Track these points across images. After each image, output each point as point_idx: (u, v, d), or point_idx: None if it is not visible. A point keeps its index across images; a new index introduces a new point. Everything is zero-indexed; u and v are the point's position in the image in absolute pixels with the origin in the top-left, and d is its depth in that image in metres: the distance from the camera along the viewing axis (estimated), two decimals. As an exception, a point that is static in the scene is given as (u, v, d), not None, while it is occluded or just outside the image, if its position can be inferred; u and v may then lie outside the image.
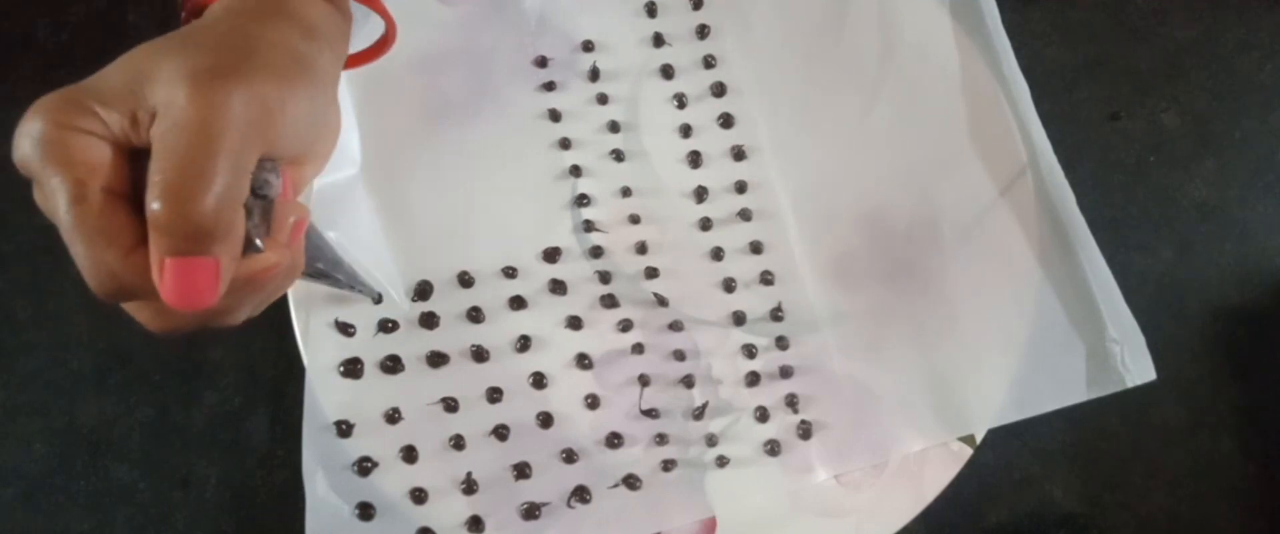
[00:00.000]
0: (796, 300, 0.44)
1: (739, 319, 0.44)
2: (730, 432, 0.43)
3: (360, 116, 0.44)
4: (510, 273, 0.44)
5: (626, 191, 0.45)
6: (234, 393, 0.45)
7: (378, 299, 0.42)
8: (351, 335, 0.42)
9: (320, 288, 0.42)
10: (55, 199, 0.25)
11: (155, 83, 0.25)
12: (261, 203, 0.27)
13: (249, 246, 0.27)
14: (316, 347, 0.42)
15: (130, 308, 0.27)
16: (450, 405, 0.42)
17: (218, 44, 0.27)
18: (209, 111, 0.24)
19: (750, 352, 0.44)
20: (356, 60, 0.37)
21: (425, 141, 0.45)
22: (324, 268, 0.35)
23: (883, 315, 0.44)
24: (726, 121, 0.46)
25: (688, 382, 0.43)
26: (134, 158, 0.26)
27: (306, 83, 0.28)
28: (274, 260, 0.27)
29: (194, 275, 0.24)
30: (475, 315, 0.43)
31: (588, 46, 0.46)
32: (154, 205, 0.24)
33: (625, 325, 0.44)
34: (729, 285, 0.44)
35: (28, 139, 0.25)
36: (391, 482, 0.41)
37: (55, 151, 0.25)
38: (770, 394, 0.43)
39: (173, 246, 0.24)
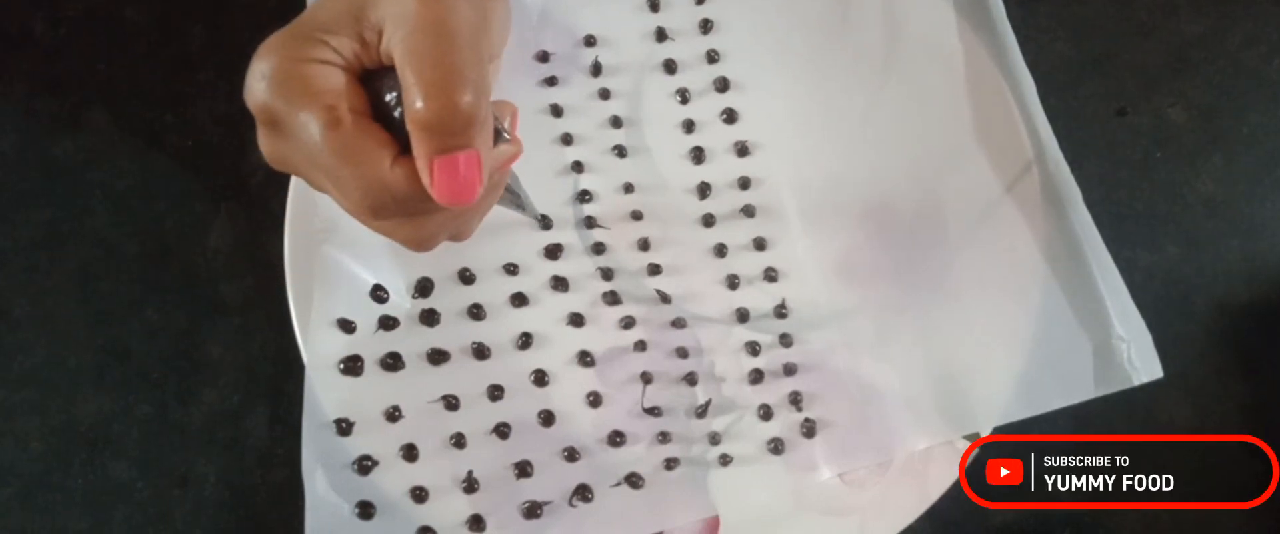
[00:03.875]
0: (800, 297, 0.44)
1: (742, 316, 0.44)
2: (733, 430, 0.43)
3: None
4: (511, 270, 0.44)
5: (629, 188, 0.45)
6: (233, 390, 0.44)
7: (545, 223, 0.43)
8: (352, 332, 0.42)
9: (318, 284, 0.42)
10: (307, 132, 0.26)
11: (376, 3, 0.26)
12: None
13: (496, 139, 0.28)
14: (316, 344, 0.42)
15: (387, 228, 0.29)
16: (451, 403, 0.42)
17: None
18: (443, 11, 0.26)
19: (754, 349, 0.43)
20: None
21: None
22: (509, 182, 0.35)
23: (887, 312, 0.44)
24: (729, 117, 0.46)
25: (690, 379, 0.43)
26: (366, 79, 0.27)
27: None
28: (515, 150, 0.29)
29: (459, 169, 0.26)
30: (476, 312, 0.43)
31: (590, 41, 0.46)
32: (417, 105, 0.25)
33: (627, 323, 0.43)
34: (732, 282, 0.44)
35: (263, 81, 0.26)
36: (392, 480, 0.41)
37: (297, 86, 0.26)
38: (774, 392, 0.43)
39: (439, 143, 0.26)
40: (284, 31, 0.27)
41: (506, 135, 0.29)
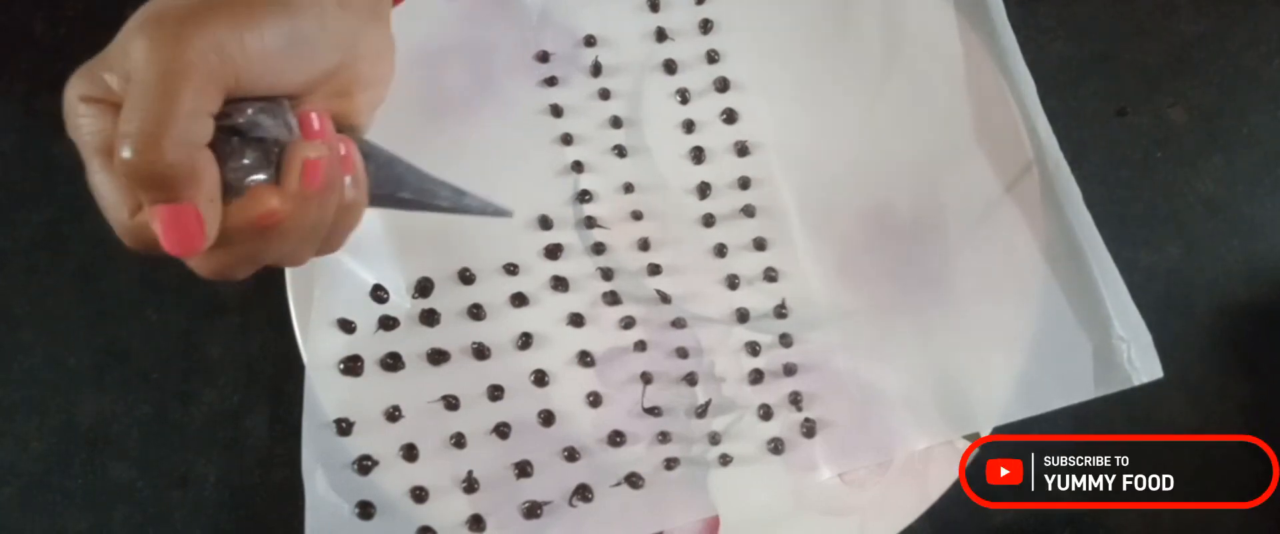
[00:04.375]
0: (800, 297, 0.44)
1: (742, 316, 0.44)
2: (733, 430, 0.43)
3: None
4: (511, 270, 0.44)
5: (629, 188, 0.45)
6: (233, 391, 0.44)
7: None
8: (352, 332, 0.42)
9: (318, 284, 0.42)
10: (86, 165, 0.26)
11: (130, 39, 0.26)
12: (257, 144, 0.27)
13: (230, 191, 0.26)
14: (316, 344, 0.41)
15: (191, 262, 0.28)
16: (451, 403, 0.42)
17: None
18: (153, 58, 0.25)
19: (753, 349, 0.43)
20: None
21: (426, 137, 0.44)
22: (411, 196, 0.33)
23: (887, 312, 0.44)
24: (729, 117, 0.46)
25: (690, 379, 0.43)
26: None
27: (275, 15, 0.27)
28: (272, 205, 0.27)
29: (175, 222, 0.25)
30: (476, 313, 0.43)
31: (590, 41, 0.46)
32: (121, 154, 0.24)
33: (627, 323, 0.43)
34: (732, 282, 0.44)
35: (64, 109, 0.26)
36: (392, 480, 0.41)
37: (71, 121, 0.26)
38: (774, 392, 0.43)
39: (147, 195, 0.25)
40: (84, 65, 0.27)
41: (250, 183, 0.27)
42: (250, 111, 0.27)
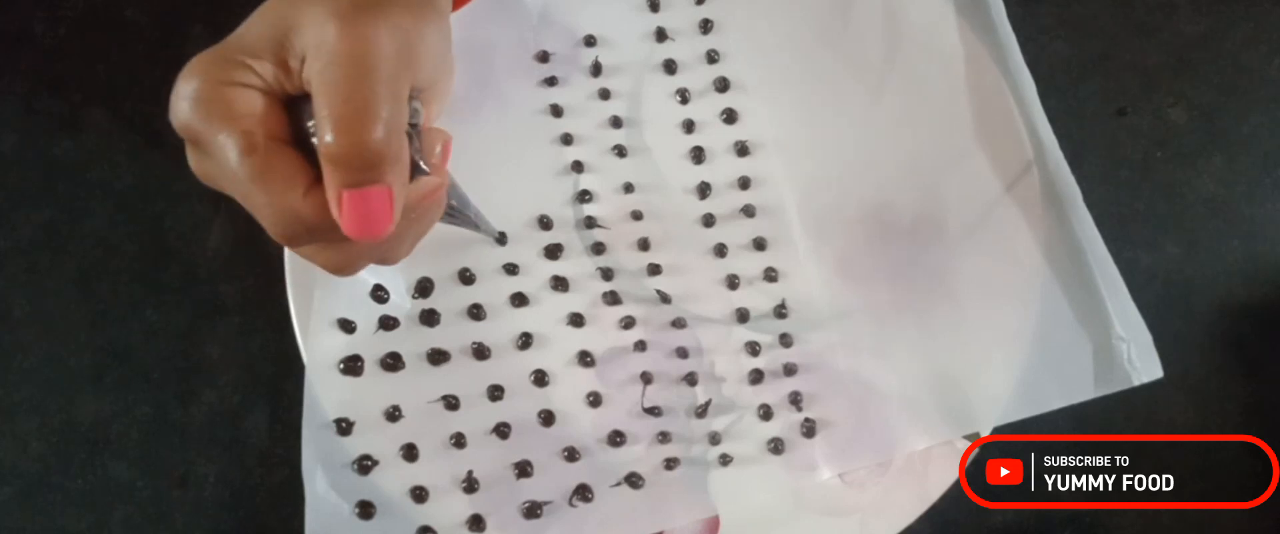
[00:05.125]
0: (800, 297, 0.44)
1: (742, 316, 0.44)
2: (733, 430, 0.43)
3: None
4: (511, 270, 0.44)
5: (629, 188, 0.45)
6: (233, 391, 0.44)
7: (501, 240, 0.43)
8: (352, 332, 0.42)
9: (318, 284, 0.42)
10: (225, 153, 0.26)
11: (301, 28, 0.26)
12: (414, 131, 0.28)
13: (414, 172, 0.28)
14: (316, 344, 0.41)
15: (306, 252, 0.29)
16: (451, 403, 0.42)
17: None
18: (361, 45, 0.25)
19: (754, 349, 0.43)
20: (459, 1, 0.39)
21: (426, 137, 0.44)
22: (456, 205, 0.36)
23: (887, 312, 0.44)
24: (730, 117, 0.46)
25: (690, 379, 0.43)
26: (289, 105, 0.27)
27: (435, 16, 0.30)
28: (438, 182, 0.29)
29: (370, 204, 0.26)
30: (476, 312, 0.43)
31: (590, 41, 0.46)
32: (327, 138, 0.25)
33: (627, 323, 0.43)
34: (732, 282, 0.44)
35: (186, 102, 0.26)
36: (392, 480, 0.41)
37: (217, 108, 0.26)
38: (774, 392, 0.43)
39: (348, 178, 0.25)
40: (209, 52, 0.27)
41: (426, 169, 0.28)
42: (412, 101, 0.28)
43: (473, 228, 0.39)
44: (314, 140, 0.26)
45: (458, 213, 0.36)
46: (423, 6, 0.29)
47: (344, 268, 0.30)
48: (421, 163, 0.28)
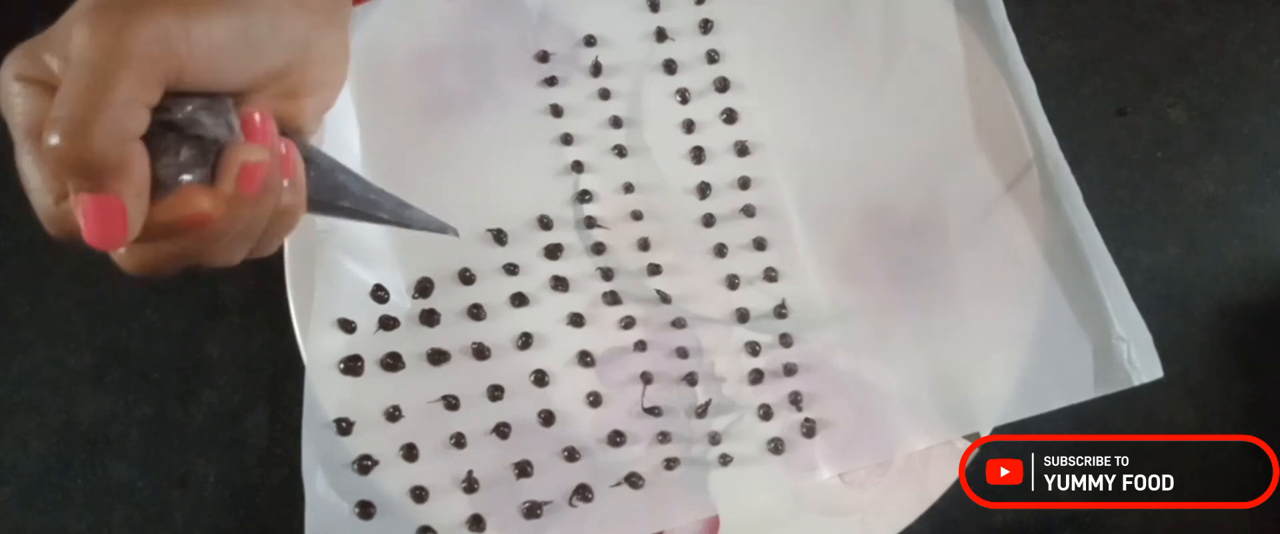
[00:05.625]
0: (800, 297, 0.44)
1: (742, 316, 0.44)
2: (733, 430, 0.43)
3: (359, 111, 0.44)
4: (511, 270, 0.44)
5: (629, 188, 0.45)
6: (233, 390, 0.44)
7: (454, 233, 0.38)
8: (352, 332, 0.42)
9: (319, 284, 0.42)
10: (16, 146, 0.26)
11: (69, 20, 0.25)
12: (194, 143, 0.26)
13: (163, 187, 0.26)
14: (316, 344, 0.41)
15: (114, 256, 0.28)
16: (451, 403, 0.42)
17: None
18: (94, 43, 0.24)
19: (753, 349, 0.43)
20: None
21: (425, 137, 0.44)
22: (352, 205, 0.33)
23: (887, 312, 0.44)
24: (729, 117, 0.46)
25: (690, 379, 0.43)
26: None
27: (232, 8, 0.27)
28: (202, 206, 0.26)
29: (99, 213, 0.24)
30: (476, 313, 0.43)
31: (590, 41, 0.46)
32: (49, 139, 0.24)
33: (627, 323, 0.43)
34: (732, 282, 0.44)
35: None
36: (392, 480, 0.41)
37: (4, 101, 0.26)
38: (774, 392, 0.43)
39: (72, 183, 0.24)
40: (23, 43, 0.26)
41: (185, 178, 0.26)
42: (190, 108, 0.26)
43: (401, 225, 0.35)
44: None
45: (359, 212, 0.33)
46: (203, 1, 0.26)
47: (149, 268, 0.28)
48: (173, 178, 0.26)
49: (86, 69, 0.24)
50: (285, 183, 0.28)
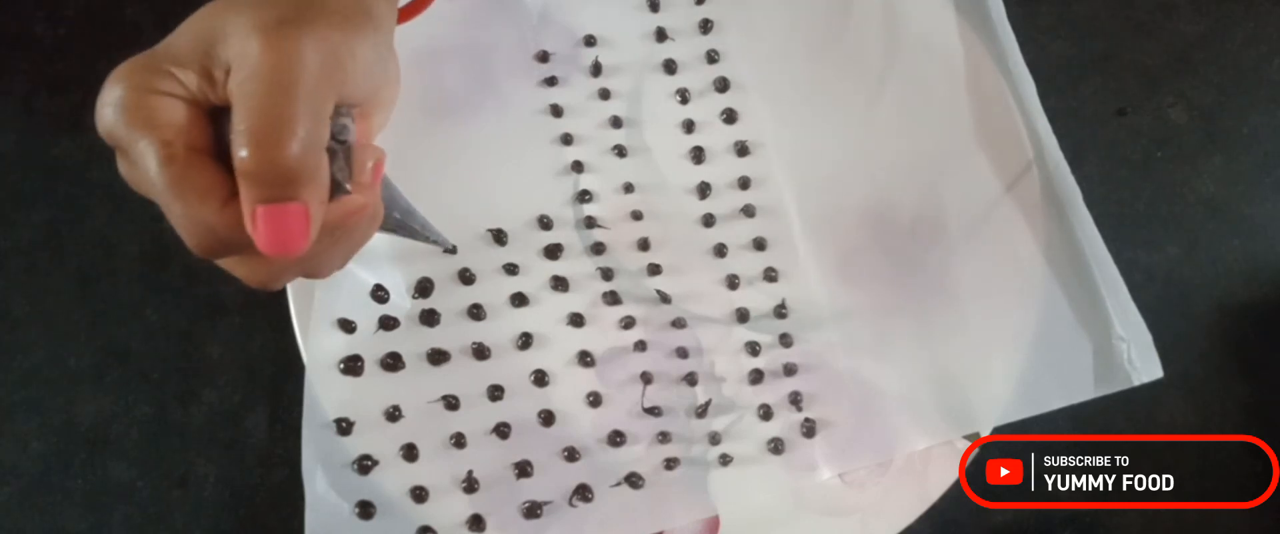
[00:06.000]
0: (800, 297, 0.44)
1: (742, 316, 0.44)
2: (733, 430, 0.43)
3: (360, 111, 0.44)
4: (511, 270, 0.44)
5: (629, 188, 0.45)
6: (233, 391, 0.44)
7: (453, 250, 0.42)
8: (352, 332, 0.42)
9: (319, 284, 0.42)
10: (145, 161, 0.26)
11: (227, 39, 0.26)
12: (341, 148, 0.28)
13: (336, 190, 0.27)
14: (316, 344, 0.41)
15: (227, 263, 0.28)
16: (451, 403, 0.42)
17: None
18: (282, 59, 0.25)
19: (754, 349, 0.43)
20: (407, 12, 0.38)
21: (425, 137, 0.44)
22: (400, 217, 0.35)
23: (887, 312, 0.44)
24: (729, 117, 0.46)
25: (690, 379, 0.43)
26: (215, 116, 0.27)
27: (370, 29, 0.29)
28: (361, 202, 0.28)
29: (285, 221, 0.25)
30: (476, 312, 0.43)
31: (590, 41, 0.46)
32: (242, 153, 0.25)
33: (627, 323, 0.43)
34: (732, 282, 0.44)
35: (109, 108, 0.26)
36: (392, 480, 0.41)
37: (139, 115, 0.26)
38: (774, 392, 0.43)
39: (263, 194, 0.25)
40: (137, 59, 0.27)
41: (348, 187, 0.28)
42: (341, 117, 0.28)
43: (422, 240, 0.38)
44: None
45: (401, 225, 0.36)
46: (354, 20, 0.28)
47: (265, 282, 0.29)
48: (345, 181, 0.28)
49: (272, 84, 0.25)
50: None
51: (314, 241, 0.26)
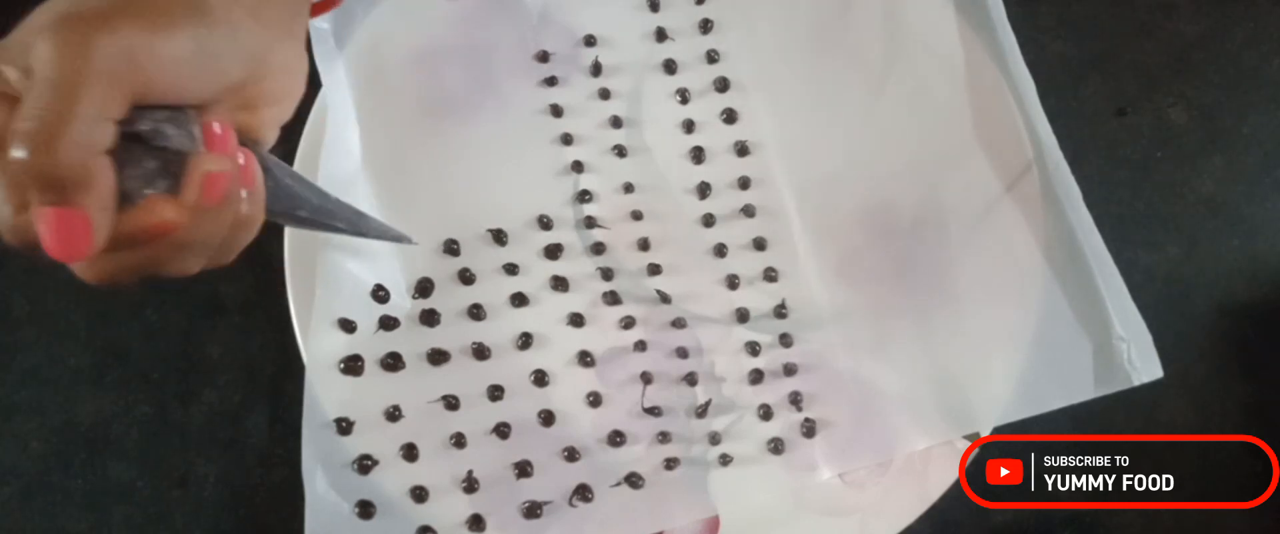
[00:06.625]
0: (800, 297, 0.44)
1: (742, 316, 0.44)
2: (733, 430, 0.43)
3: (359, 111, 0.44)
4: (511, 270, 0.44)
5: (629, 188, 0.45)
6: (233, 390, 0.44)
7: (406, 241, 0.38)
8: (352, 332, 0.42)
9: (319, 284, 0.42)
10: None
11: (33, 31, 0.25)
12: (159, 154, 0.26)
13: (132, 197, 0.26)
14: (316, 344, 0.41)
15: (75, 267, 0.27)
16: (451, 403, 0.42)
17: None
18: (59, 57, 0.24)
19: (753, 349, 0.43)
20: (322, 6, 0.36)
21: (426, 137, 0.44)
22: (309, 215, 0.33)
23: (887, 312, 0.44)
24: (729, 117, 0.46)
25: (690, 379, 0.43)
26: None
27: (191, 22, 0.27)
28: (167, 216, 0.26)
29: (63, 226, 0.24)
30: (476, 313, 0.43)
31: (590, 41, 0.46)
32: (12, 153, 0.24)
33: (627, 323, 0.43)
34: (732, 282, 0.44)
35: None
36: (392, 480, 0.41)
37: None
38: (774, 392, 0.43)
39: (38, 196, 0.24)
40: None
41: (147, 192, 0.26)
42: (155, 120, 0.26)
43: (356, 234, 0.36)
44: None
45: (313, 222, 0.34)
46: (166, 15, 0.26)
47: (98, 280, 0.27)
48: (144, 188, 0.26)
49: (52, 83, 0.24)
50: (244, 193, 0.28)
51: (103, 248, 0.25)
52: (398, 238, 0.37)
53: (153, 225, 0.26)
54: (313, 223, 0.33)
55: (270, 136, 0.31)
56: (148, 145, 0.26)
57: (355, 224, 0.35)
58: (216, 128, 0.27)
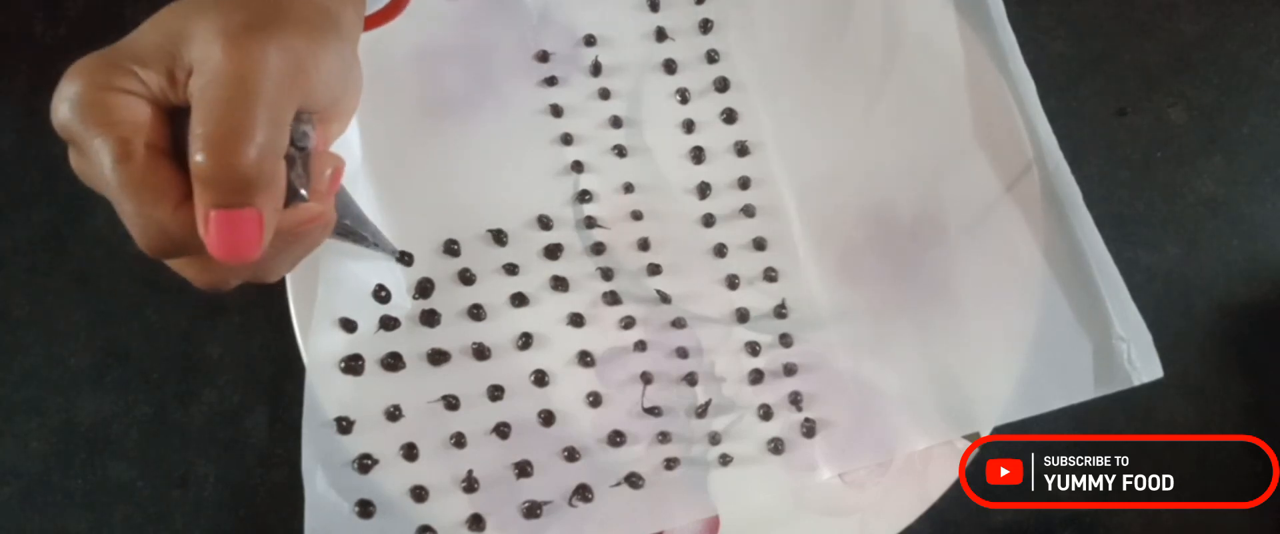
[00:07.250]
0: (800, 297, 0.44)
1: (742, 316, 0.44)
2: (733, 430, 0.43)
3: (359, 111, 0.44)
4: (511, 270, 0.44)
5: (629, 188, 0.45)
6: (233, 390, 0.44)
7: (400, 257, 0.42)
8: (352, 332, 0.42)
9: (320, 284, 0.42)
10: (99, 159, 0.25)
11: (191, 41, 0.26)
12: (300, 155, 0.28)
13: (292, 197, 0.27)
14: (316, 343, 0.41)
15: (177, 265, 0.28)
16: (451, 403, 0.42)
17: (247, 1, 0.27)
18: (245, 65, 0.25)
19: (753, 349, 0.43)
20: (374, 20, 0.39)
21: (425, 137, 0.44)
22: (350, 224, 0.35)
23: (887, 312, 0.44)
24: (729, 117, 0.46)
25: (690, 379, 0.43)
26: (174, 116, 0.27)
27: (335, 37, 0.29)
28: (317, 210, 0.28)
29: (238, 227, 0.25)
30: (476, 313, 0.43)
31: (590, 41, 0.46)
32: (197, 158, 0.24)
33: (627, 323, 0.43)
34: (732, 282, 0.44)
35: (67, 102, 0.26)
36: (392, 479, 0.41)
37: (96, 112, 0.25)
38: (774, 392, 0.43)
39: (217, 198, 0.25)
40: (96, 55, 0.26)
41: (304, 194, 0.28)
42: (301, 124, 0.28)
43: (370, 246, 0.39)
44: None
45: (351, 231, 0.36)
46: (320, 29, 0.28)
47: (214, 283, 0.29)
48: (301, 188, 0.28)
49: (237, 89, 0.25)
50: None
51: (267, 247, 0.26)
52: (391, 251, 0.40)
53: (305, 220, 0.28)
54: (349, 232, 0.35)
55: (329, 148, 0.33)
56: (294, 147, 0.28)
57: (376, 238, 0.38)
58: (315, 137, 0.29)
